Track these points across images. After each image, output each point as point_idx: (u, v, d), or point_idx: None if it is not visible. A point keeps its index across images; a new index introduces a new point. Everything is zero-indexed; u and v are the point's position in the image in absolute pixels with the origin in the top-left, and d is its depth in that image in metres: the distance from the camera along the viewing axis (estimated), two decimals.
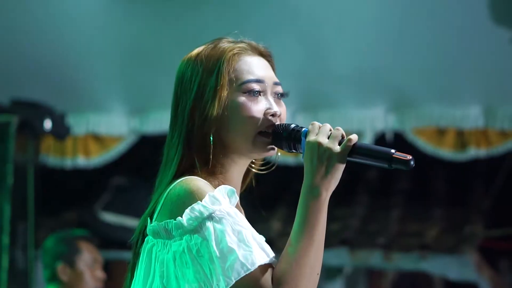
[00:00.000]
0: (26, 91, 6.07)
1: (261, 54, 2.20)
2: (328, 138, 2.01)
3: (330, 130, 2.03)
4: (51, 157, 6.56)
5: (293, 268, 1.94)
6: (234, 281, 1.91)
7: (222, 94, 2.11)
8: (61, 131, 6.04)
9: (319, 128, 2.03)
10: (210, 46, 2.18)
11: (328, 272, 7.32)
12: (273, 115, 2.13)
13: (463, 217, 7.23)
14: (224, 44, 2.17)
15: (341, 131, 2.02)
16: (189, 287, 1.98)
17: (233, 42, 2.18)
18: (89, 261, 4.30)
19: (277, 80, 2.19)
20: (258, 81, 2.14)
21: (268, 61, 2.21)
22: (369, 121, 6.14)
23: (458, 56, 5.82)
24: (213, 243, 1.94)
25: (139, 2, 5.91)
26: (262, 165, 2.24)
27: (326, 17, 5.76)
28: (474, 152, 6.11)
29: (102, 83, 6.29)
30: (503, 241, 7.47)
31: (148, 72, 6.15)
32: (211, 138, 2.10)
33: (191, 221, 1.97)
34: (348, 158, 2.00)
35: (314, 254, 1.96)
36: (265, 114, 2.12)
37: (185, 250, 1.98)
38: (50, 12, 5.93)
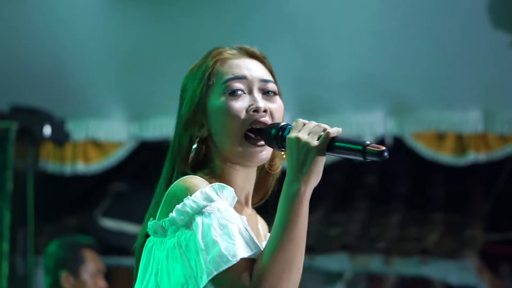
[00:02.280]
0: (25, 97, 6.07)
1: (254, 56, 2.20)
2: (310, 131, 2.00)
3: (315, 124, 2.02)
4: (50, 163, 6.56)
5: (273, 263, 1.92)
6: (215, 273, 1.92)
7: (206, 101, 2.12)
8: (60, 137, 6.04)
9: (303, 125, 2.02)
10: (204, 55, 2.20)
11: (328, 277, 7.31)
12: (256, 110, 2.11)
13: (463, 221, 7.22)
14: (213, 52, 2.19)
15: (324, 126, 2.01)
16: (177, 282, 1.99)
17: (224, 48, 2.19)
18: (93, 271, 4.28)
19: (265, 78, 2.17)
20: (238, 78, 2.13)
21: (263, 62, 2.20)
22: (368, 126, 6.15)
23: (457, 60, 5.82)
24: (199, 237, 1.95)
25: (137, 9, 5.92)
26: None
27: (324, 24, 5.76)
28: (473, 156, 6.11)
29: (101, 89, 6.29)
30: (503, 246, 7.46)
31: (147, 78, 6.15)
32: (193, 149, 2.13)
33: (182, 217, 1.99)
34: (328, 153, 1.99)
35: (294, 249, 1.94)
36: (247, 110, 2.11)
37: (176, 246, 1.99)
38: (49, 19, 5.93)
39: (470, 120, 6.05)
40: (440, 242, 6.95)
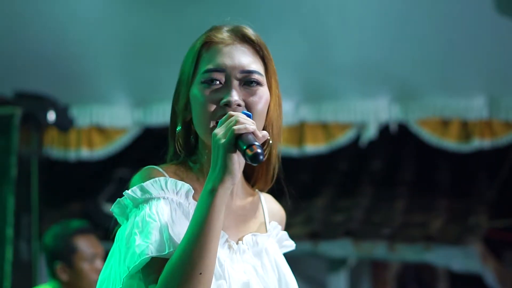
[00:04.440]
0: (29, 83, 6.07)
1: (246, 40, 2.12)
2: (225, 130, 1.92)
3: (234, 120, 1.92)
4: (55, 149, 6.56)
5: (175, 267, 1.88)
6: (128, 270, 1.92)
7: (187, 87, 2.09)
8: (64, 123, 6.04)
9: (228, 118, 1.94)
10: (200, 35, 2.14)
11: (332, 264, 7.31)
12: (227, 104, 2.02)
13: (467, 208, 7.22)
14: (207, 32, 2.13)
15: (240, 120, 1.91)
16: (109, 275, 2.00)
17: (217, 31, 2.12)
18: (87, 256, 4.24)
19: (247, 68, 2.07)
20: (216, 70, 2.05)
21: (255, 48, 2.12)
22: (373, 112, 6.13)
23: (462, 46, 5.81)
24: (126, 232, 1.98)
25: None
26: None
27: (329, 9, 5.74)
28: (478, 143, 6.10)
29: (105, 75, 6.28)
30: (508, 232, 7.46)
31: (152, 64, 6.14)
32: (177, 131, 2.12)
33: (123, 209, 2.03)
34: (238, 150, 1.89)
35: (197, 252, 1.88)
36: (220, 103, 2.03)
37: (116, 240, 2.03)
38: (53, 5, 5.92)
39: (475, 107, 6.04)
40: (445, 228, 6.95)
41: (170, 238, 1.93)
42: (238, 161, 1.90)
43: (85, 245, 4.27)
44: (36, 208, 5.81)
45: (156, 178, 2.01)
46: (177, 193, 2.02)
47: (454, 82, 6.03)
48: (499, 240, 7.46)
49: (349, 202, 7.40)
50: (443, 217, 7.10)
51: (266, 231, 2.20)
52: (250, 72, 2.07)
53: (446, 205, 7.30)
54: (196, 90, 2.06)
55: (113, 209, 2.05)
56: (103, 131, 6.52)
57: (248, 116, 1.99)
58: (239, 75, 2.06)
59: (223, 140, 1.89)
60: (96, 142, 6.53)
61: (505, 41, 5.75)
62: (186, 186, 2.02)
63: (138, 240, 1.93)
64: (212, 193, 1.89)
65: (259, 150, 1.86)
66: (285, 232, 2.28)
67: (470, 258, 6.75)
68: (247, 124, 1.91)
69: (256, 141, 1.88)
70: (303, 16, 5.79)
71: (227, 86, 2.05)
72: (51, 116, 5.87)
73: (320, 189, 7.43)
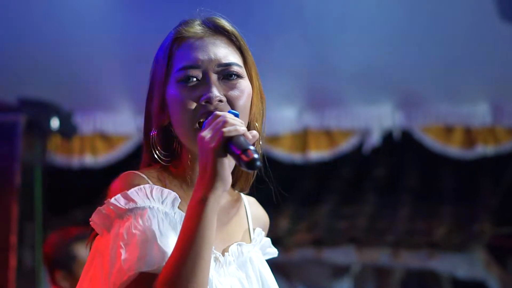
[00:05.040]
0: (33, 90, 6.07)
1: (220, 31, 1.99)
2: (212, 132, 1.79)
3: (222, 122, 1.79)
4: (58, 156, 6.56)
5: (166, 283, 1.76)
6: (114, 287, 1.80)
7: (162, 88, 1.98)
8: (68, 130, 6.04)
9: (214, 119, 1.82)
10: (172, 30, 2.04)
11: (336, 271, 7.31)
12: (208, 101, 1.90)
13: (471, 215, 7.21)
14: (177, 28, 2.02)
15: (229, 122, 1.79)
16: None
17: (188, 25, 2.01)
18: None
19: (223, 61, 1.94)
20: (191, 66, 1.93)
21: (230, 39, 1.99)
22: (377, 119, 6.13)
23: (465, 53, 5.81)
24: (110, 245, 1.84)
25: (146, 1, 5.91)
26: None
27: (332, 15, 5.75)
28: (482, 149, 6.10)
29: (109, 82, 6.28)
30: None
31: None
32: (152, 136, 1.98)
33: (104, 219, 1.90)
34: (229, 154, 1.78)
35: (189, 267, 1.76)
36: (200, 101, 1.91)
37: (98, 249, 1.91)
38: (56, 11, 5.93)
39: (478, 113, 6.04)
40: (448, 235, 6.95)
41: (159, 252, 1.80)
42: (229, 166, 1.79)
43: (85, 252, 4.27)
44: (39, 215, 5.81)
45: (141, 186, 1.88)
46: (162, 202, 1.87)
47: (457, 89, 6.03)
48: (503, 247, 7.45)
49: (353, 209, 7.40)
50: (447, 224, 7.10)
51: (250, 239, 2.08)
52: (228, 64, 1.94)
53: (450, 212, 7.30)
54: (172, 90, 1.95)
55: (93, 218, 1.92)
56: (106, 138, 6.52)
57: (235, 115, 1.86)
58: (216, 69, 1.93)
59: (212, 144, 1.77)
60: (99, 149, 6.53)
61: (508, 48, 5.75)
62: (172, 194, 1.88)
63: (124, 254, 1.80)
64: (203, 202, 1.77)
65: (255, 156, 1.73)
66: (268, 239, 2.15)
67: (474, 265, 6.75)
68: (237, 125, 1.79)
69: (250, 145, 1.76)
70: (306, 22, 5.79)
71: (205, 82, 1.92)
72: (55, 123, 5.87)
73: (324, 196, 7.43)
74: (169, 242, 1.81)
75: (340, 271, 7.27)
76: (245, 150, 1.74)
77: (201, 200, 1.77)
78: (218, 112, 1.83)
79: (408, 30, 5.78)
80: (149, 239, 1.81)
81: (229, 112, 1.87)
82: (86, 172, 7.07)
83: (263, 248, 2.12)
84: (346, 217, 7.30)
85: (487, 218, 7.18)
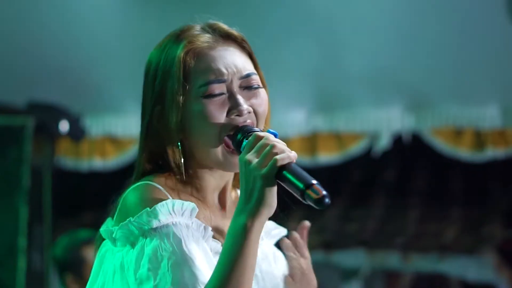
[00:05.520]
0: (42, 93, 6.08)
1: (230, 38, 1.95)
2: (260, 155, 1.72)
3: (270, 145, 1.73)
4: (67, 159, 6.56)
5: None
6: None
7: (180, 101, 1.88)
8: (77, 133, 6.04)
9: (258, 142, 1.74)
10: (173, 37, 2.00)
11: (345, 273, 7.29)
12: (239, 114, 1.86)
13: (481, 217, 7.19)
14: (184, 37, 1.96)
15: (278, 149, 1.72)
16: None
17: (195, 33, 1.96)
18: None
19: (244, 73, 1.90)
20: (217, 81, 1.87)
21: (241, 46, 1.95)
22: (386, 122, 6.12)
23: (475, 54, 5.79)
24: (133, 267, 1.79)
25: (155, 4, 5.91)
26: None
27: (342, 17, 5.74)
28: (492, 152, 6.08)
29: (118, 85, 6.28)
30: None
31: None
32: (179, 148, 1.90)
33: (128, 236, 1.83)
34: (279, 181, 1.71)
35: None
36: (229, 115, 1.86)
37: (120, 265, 1.84)
38: (66, 15, 5.93)
39: (489, 116, 6.02)
40: (458, 238, 6.93)
41: (192, 276, 1.75)
42: (275, 192, 1.73)
43: (93, 254, 4.27)
44: (48, 218, 5.82)
45: (163, 202, 1.81)
46: (182, 214, 1.82)
47: (467, 91, 6.01)
48: None
49: (362, 212, 7.39)
50: (457, 227, 7.08)
51: None
52: (248, 75, 1.90)
53: (459, 214, 7.28)
54: (196, 107, 1.87)
55: (116, 235, 1.85)
56: (116, 141, 6.51)
57: (275, 135, 1.80)
58: (239, 82, 1.89)
59: (262, 171, 1.70)
60: (108, 152, 6.53)
61: None
62: (191, 205, 1.83)
63: (155, 279, 1.74)
64: (248, 228, 1.70)
65: (324, 193, 1.69)
66: (271, 221, 2.05)
67: (484, 268, 6.73)
68: (287, 150, 1.73)
69: (312, 178, 1.70)
70: (315, 24, 5.78)
71: (231, 95, 1.88)
72: (64, 126, 5.88)
73: (333, 199, 7.41)
74: (197, 262, 1.76)
75: (349, 274, 7.26)
76: (310, 186, 1.68)
77: (246, 227, 1.71)
78: (259, 133, 1.78)
79: (417, 32, 5.76)
80: (179, 263, 1.75)
81: (268, 131, 1.82)
82: (95, 175, 7.07)
83: (267, 234, 2.07)
84: (355, 220, 7.29)
85: (497, 220, 7.16)
